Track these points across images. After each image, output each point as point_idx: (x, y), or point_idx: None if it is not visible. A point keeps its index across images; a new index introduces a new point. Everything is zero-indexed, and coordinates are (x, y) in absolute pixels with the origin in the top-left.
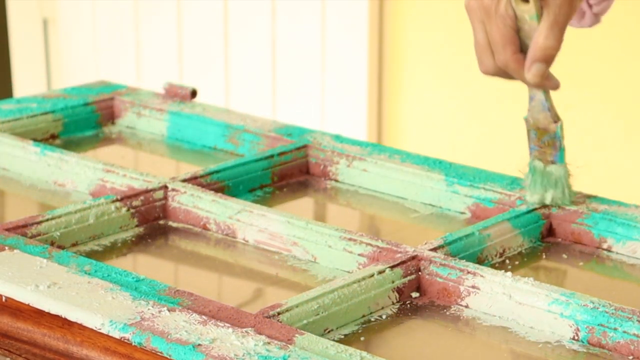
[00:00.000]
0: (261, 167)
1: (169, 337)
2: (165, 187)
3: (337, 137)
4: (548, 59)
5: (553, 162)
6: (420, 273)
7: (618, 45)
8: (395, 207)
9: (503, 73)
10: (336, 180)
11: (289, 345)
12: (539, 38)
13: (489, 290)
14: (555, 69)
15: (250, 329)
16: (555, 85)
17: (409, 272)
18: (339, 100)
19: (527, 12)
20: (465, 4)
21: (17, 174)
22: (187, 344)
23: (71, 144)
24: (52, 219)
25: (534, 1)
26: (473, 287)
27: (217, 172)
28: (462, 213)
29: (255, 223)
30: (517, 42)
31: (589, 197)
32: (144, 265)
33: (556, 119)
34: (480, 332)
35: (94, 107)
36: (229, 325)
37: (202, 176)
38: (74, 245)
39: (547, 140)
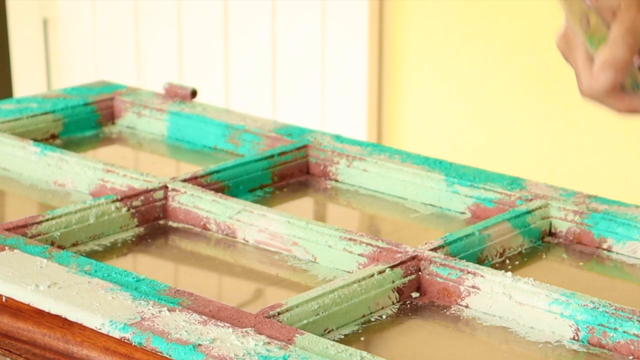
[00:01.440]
0: (261, 167)
1: (169, 337)
2: (166, 187)
3: (337, 137)
4: (617, 69)
5: None
6: (420, 273)
7: None
8: (395, 207)
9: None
10: (336, 180)
11: (289, 345)
12: (606, 49)
13: (489, 290)
14: (555, 71)
15: (250, 329)
16: None
17: (409, 272)
18: (339, 100)
19: (586, 36)
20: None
21: (17, 174)
22: (187, 344)
23: (71, 144)
24: (52, 219)
25: (592, 26)
26: (473, 287)
27: (217, 172)
28: (462, 213)
29: (256, 223)
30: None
31: (589, 197)
32: (144, 265)
33: None
34: (480, 332)
35: (94, 107)
36: (229, 325)
37: (202, 176)
38: (74, 245)
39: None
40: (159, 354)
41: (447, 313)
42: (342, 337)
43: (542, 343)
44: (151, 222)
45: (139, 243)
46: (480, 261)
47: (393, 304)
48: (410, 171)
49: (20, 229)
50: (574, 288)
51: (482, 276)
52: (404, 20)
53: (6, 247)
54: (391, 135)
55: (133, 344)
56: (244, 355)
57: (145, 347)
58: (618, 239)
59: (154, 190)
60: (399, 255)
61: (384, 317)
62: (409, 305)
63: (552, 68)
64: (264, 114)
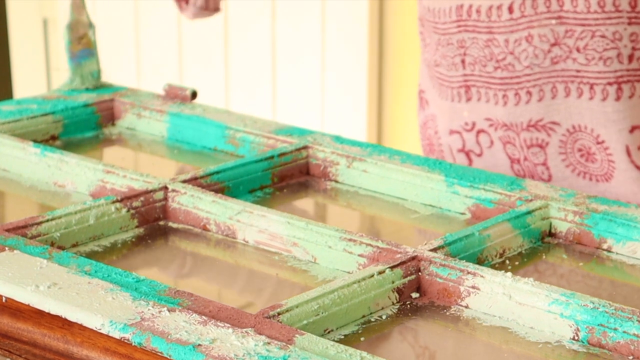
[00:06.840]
0: (261, 168)
1: (169, 337)
2: (166, 187)
3: (337, 138)
4: None
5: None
6: (420, 273)
7: None
8: (395, 207)
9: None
10: (336, 181)
11: (289, 346)
12: None
13: (489, 290)
14: None
15: (250, 329)
16: None
17: (409, 272)
18: (339, 100)
19: None
20: None
21: (18, 175)
22: (187, 344)
23: (71, 145)
24: (52, 219)
25: None
26: (473, 287)
27: (217, 172)
28: (462, 214)
29: (256, 224)
30: None
31: (589, 197)
32: (144, 265)
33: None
34: (480, 333)
35: (94, 108)
36: (229, 325)
37: (202, 177)
38: (74, 245)
39: None
40: (159, 354)
41: (447, 313)
42: (342, 337)
43: (542, 343)
44: (151, 223)
45: (139, 244)
46: (480, 261)
47: (393, 304)
48: (410, 172)
49: (20, 229)
50: (574, 288)
51: (482, 276)
52: (404, 20)
53: (6, 248)
54: (391, 135)
55: (133, 344)
56: (244, 356)
57: (145, 347)
58: (618, 239)
59: (154, 191)
60: (399, 255)
61: (384, 317)
62: (409, 306)
63: None
64: (264, 114)
